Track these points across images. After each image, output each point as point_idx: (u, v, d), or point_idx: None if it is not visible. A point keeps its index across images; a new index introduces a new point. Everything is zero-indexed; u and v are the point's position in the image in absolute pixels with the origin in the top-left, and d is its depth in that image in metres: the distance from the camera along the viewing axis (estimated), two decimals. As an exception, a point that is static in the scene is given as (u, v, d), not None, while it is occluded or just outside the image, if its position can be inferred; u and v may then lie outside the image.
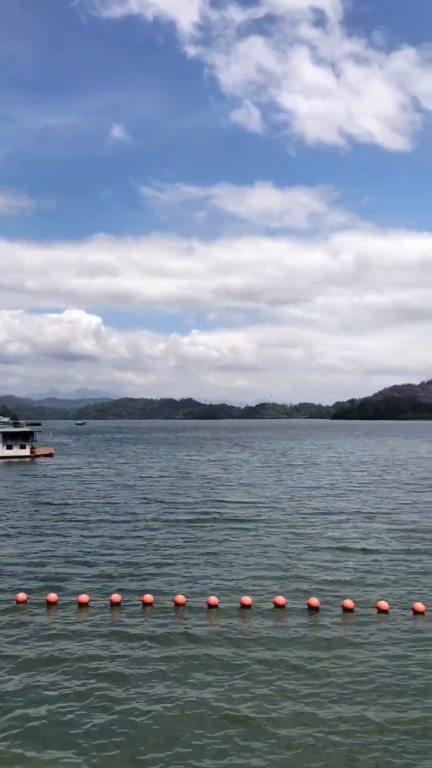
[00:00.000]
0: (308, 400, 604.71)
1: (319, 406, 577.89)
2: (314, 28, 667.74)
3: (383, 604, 21.54)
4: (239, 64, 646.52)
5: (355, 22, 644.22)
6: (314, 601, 21.97)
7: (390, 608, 21.40)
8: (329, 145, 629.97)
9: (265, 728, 13.87)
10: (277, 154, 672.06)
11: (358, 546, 31.50)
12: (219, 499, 49.00)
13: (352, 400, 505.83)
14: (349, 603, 21.70)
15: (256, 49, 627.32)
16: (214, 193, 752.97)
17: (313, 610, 21.55)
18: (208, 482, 60.95)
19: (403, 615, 21.07)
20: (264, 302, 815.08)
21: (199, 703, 14.93)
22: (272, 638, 19.10)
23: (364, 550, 30.61)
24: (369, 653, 17.83)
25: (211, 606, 21.93)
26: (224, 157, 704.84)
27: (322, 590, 23.73)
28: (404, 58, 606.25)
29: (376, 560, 28.71)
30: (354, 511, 42.83)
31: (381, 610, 21.26)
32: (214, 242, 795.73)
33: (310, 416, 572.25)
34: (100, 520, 39.45)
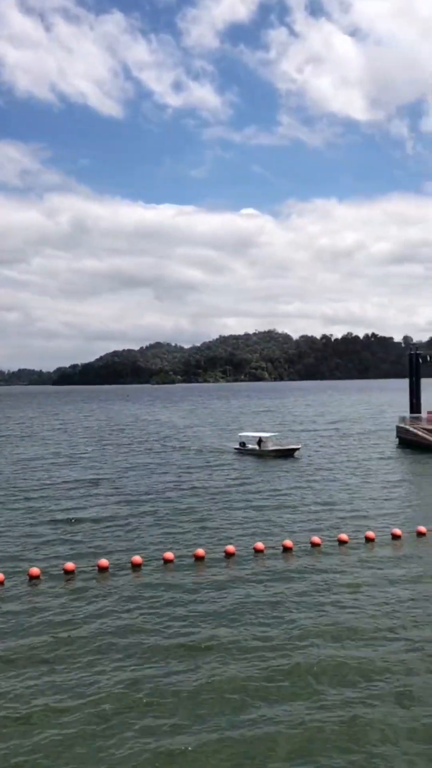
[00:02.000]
0: (28, 366, 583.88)
1: (40, 372, 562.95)
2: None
3: (103, 562, 22.86)
4: None
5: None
6: (35, 570, 22.17)
7: (110, 566, 22.77)
8: (41, 100, 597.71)
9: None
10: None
11: (81, 514, 32.27)
12: None
13: (74, 366, 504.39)
14: (70, 566, 22.65)
15: None
16: None
17: (35, 579, 21.71)
18: None
19: (124, 571, 22.57)
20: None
21: None
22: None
23: (87, 518, 31.55)
24: (90, 612, 18.77)
25: None
26: None
27: (45, 560, 24.00)
28: (114, 23, 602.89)
29: (98, 526, 29.89)
30: (77, 479, 43.49)
31: (101, 568, 22.56)
32: None
33: (31, 383, 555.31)
34: None
